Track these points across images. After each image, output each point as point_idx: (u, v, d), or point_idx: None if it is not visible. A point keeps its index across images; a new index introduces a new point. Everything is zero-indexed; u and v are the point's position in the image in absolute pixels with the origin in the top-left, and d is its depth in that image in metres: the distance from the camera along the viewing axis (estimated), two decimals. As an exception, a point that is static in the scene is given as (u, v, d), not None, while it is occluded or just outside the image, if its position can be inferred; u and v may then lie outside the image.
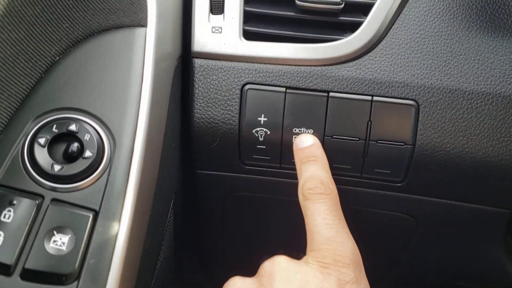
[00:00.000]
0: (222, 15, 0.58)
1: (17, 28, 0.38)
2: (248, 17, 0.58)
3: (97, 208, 0.41)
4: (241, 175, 0.61)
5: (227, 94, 0.57)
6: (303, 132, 0.57)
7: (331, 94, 0.56)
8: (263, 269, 0.47)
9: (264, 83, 0.57)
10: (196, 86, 0.58)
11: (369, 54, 0.56)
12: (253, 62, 0.57)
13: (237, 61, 0.57)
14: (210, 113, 0.57)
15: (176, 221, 0.63)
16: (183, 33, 0.59)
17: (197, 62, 0.58)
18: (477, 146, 0.54)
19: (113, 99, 0.45)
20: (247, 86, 0.57)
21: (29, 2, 0.38)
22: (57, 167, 0.41)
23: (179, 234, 0.68)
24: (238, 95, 0.57)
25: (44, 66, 0.44)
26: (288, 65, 0.57)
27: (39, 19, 0.40)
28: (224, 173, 0.62)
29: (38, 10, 0.40)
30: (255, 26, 0.58)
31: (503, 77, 0.54)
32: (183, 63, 0.59)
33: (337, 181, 0.59)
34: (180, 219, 0.67)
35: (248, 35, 0.58)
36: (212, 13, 0.58)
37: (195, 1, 0.58)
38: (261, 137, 0.57)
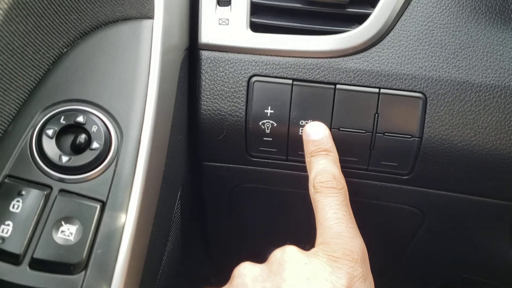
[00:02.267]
0: (229, 6, 0.58)
1: (25, 20, 0.38)
2: (255, 9, 0.58)
3: (104, 199, 0.41)
4: (248, 167, 0.61)
5: (234, 86, 0.57)
6: (309, 125, 0.56)
7: (338, 86, 0.56)
8: (274, 257, 0.47)
9: (270, 75, 0.57)
10: (203, 78, 0.58)
11: (376, 46, 0.55)
12: (260, 54, 0.57)
13: (244, 53, 0.57)
14: (217, 105, 0.58)
15: (183, 212, 0.64)
16: (190, 25, 0.59)
17: (204, 54, 0.58)
18: (485, 139, 0.54)
19: (120, 90, 0.45)
20: (254, 78, 0.57)
21: (36, -6, 0.39)
22: (65, 158, 0.42)
23: (186, 225, 0.68)
24: (244, 87, 0.57)
25: (52, 58, 0.44)
26: (295, 57, 0.56)
27: (46, 11, 0.40)
28: (230, 165, 0.62)
29: (46, 2, 0.40)
30: (262, 18, 0.58)
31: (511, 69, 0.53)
32: (190, 55, 0.59)
33: (344, 174, 0.59)
34: (187, 211, 0.68)
35: (255, 27, 0.58)
36: (219, 5, 0.58)
37: (202, -8, 0.58)
38: (267, 129, 0.57)
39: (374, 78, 0.55)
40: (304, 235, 0.76)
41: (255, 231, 0.78)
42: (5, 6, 0.36)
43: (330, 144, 0.55)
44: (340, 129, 0.56)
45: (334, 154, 0.54)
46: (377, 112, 0.55)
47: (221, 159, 0.62)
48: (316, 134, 0.55)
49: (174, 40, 0.54)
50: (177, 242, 0.64)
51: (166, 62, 0.50)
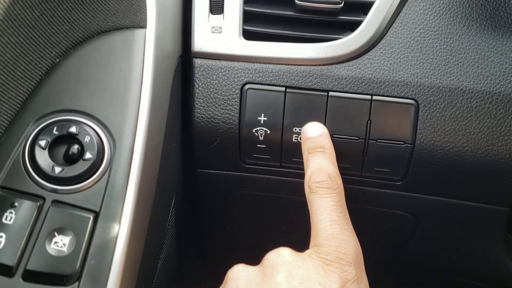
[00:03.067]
0: (222, 15, 0.58)
1: (17, 31, 0.38)
2: (247, 17, 0.58)
3: (97, 210, 0.41)
4: (242, 174, 0.61)
5: (227, 94, 0.57)
6: (303, 131, 0.57)
7: (330, 93, 0.56)
8: (267, 259, 0.47)
9: (263, 82, 0.57)
10: (196, 86, 0.58)
11: (368, 53, 0.56)
12: (253, 62, 0.57)
13: (237, 61, 0.57)
14: (211, 112, 0.58)
15: (178, 220, 0.64)
16: (183, 33, 0.59)
17: (197, 62, 0.58)
18: (476, 145, 0.54)
19: (113, 100, 0.45)
20: (247, 86, 0.57)
21: (28, 5, 0.39)
22: (57, 169, 0.42)
23: (181, 233, 0.68)
24: (238, 95, 0.57)
25: (44, 69, 0.44)
26: (288, 64, 0.57)
27: (38, 22, 0.40)
28: (224, 172, 0.62)
29: (38, 13, 0.40)
30: (254, 25, 0.58)
31: (503, 75, 0.54)
32: (183, 63, 0.59)
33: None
34: (182, 218, 0.68)
35: (248, 35, 0.58)
36: (212, 13, 0.58)
37: (195, 1, 0.58)
38: (261, 136, 0.57)
39: (367, 85, 0.55)
40: (299, 241, 0.76)
41: (250, 237, 0.78)
42: (-3, 18, 0.36)
43: (327, 141, 0.55)
44: (333, 135, 0.56)
45: (330, 151, 0.54)
46: (369, 119, 0.55)
47: (215, 166, 0.62)
48: (313, 131, 0.55)
49: (167, 48, 0.54)
50: (172, 249, 0.64)
51: (159, 70, 0.50)
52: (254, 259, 0.82)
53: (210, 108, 0.58)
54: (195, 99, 0.58)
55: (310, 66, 0.56)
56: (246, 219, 0.73)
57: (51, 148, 0.43)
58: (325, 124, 0.56)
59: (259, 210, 0.70)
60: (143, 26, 0.50)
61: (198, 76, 0.58)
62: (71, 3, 0.43)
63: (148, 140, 0.46)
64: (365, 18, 0.56)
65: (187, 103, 0.59)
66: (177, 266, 0.70)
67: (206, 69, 0.58)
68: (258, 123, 0.57)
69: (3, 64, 0.38)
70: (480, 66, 0.54)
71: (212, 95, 0.58)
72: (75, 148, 0.42)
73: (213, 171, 0.63)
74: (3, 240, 0.39)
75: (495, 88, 0.54)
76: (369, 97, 0.55)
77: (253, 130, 0.57)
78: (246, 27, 0.58)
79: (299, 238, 0.75)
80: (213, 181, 0.64)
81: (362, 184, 0.60)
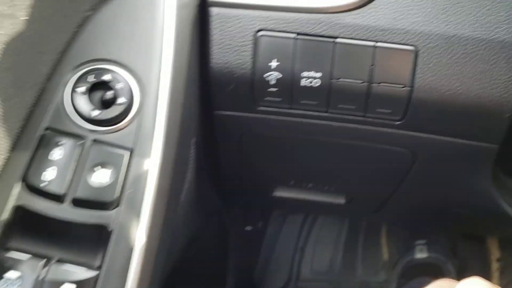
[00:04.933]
0: (237, -36, 0.61)
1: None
2: (260, -34, 0.61)
3: (132, 147, 0.48)
4: (255, 115, 0.66)
5: (241, 40, 0.61)
6: (312, 76, 0.61)
7: (337, 40, 0.60)
8: None
9: (276, 29, 0.61)
10: (213, 33, 0.62)
11: (373, 3, 0.59)
12: (266, 10, 0.61)
13: (251, 9, 0.61)
14: (226, 58, 0.62)
15: (197, 158, 0.70)
16: (199, -17, 0.62)
17: (214, 10, 0.62)
18: (469, 88, 0.58)
19: (140, 49, 0.51)
20: (260, 33, 0.61)
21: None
22: (95, 112, 0.48)
23: (200, 169, 0.75)
24: (251, 42, 0.61)
25: (77, 22, 0.49)
26: (299, 12, 0.60)
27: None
28: (239, 113, 0.67)
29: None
30: (267, -25, 0.61)
31: (498, 23, 0.57)
32: (201, 12, 0.63)
33: (343, 120, 0.65)
34: (201, 155, 0.74)
35: (261, -16, 0.61)
36: (227, -37, 0.61)
37: (209, -49, 0.61)
38: (273, 80, 0.62)
39: (371, 33, 0.59)
40: (307, 174, 0.83)
41: (263, 172, 0.84)
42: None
43: None
44: (340, 79, 0.61)
45: None
46: (373, 64, 0.60)
47: (231, 108, 0.67)
48: None
49: (185, -2, 0.58)
50: (193, 182, 0.71)
51: (180, 19, 0.55)
52: (267, 191, 0.89)
53: (225, 54, 0.62)
54: (211, 46, 0.62)
55: (319, 14, 0.60)
56: (259, 158, 0.79)
57: (89, 93, 0.49)
58: (332, 69, 0.61)
59: (273, 149, 0.76)
60: (163, -21, 0.54)
61: (214, 24, 0.62)
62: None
63: (172, 86, 0.52)
64: (370, -34, 0.59)
65: (205, 50, 0.63)
66: (197, 198, 0.78)
67: (222, 17, 0.61)
68: (271, 68, 0.61)
69: (44, 19, 0.43)
70: (477, 14, 0.57)
71: (227, 42, 0.62)
72: (111, 93, 0.48)
73: (228, 112, 0.68)
74: (53, 172, 0.46)
75: (490, 35, 0.57)
76: (373, 43, 0.59)
77: (266, 75, 0.62)
78: (259, -24, 0.61)
79: (307, 171, 0.81)
80: (229, 122, 0.69)
81: (366, 123, 0.64)
